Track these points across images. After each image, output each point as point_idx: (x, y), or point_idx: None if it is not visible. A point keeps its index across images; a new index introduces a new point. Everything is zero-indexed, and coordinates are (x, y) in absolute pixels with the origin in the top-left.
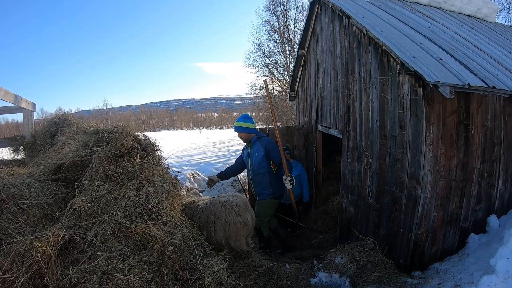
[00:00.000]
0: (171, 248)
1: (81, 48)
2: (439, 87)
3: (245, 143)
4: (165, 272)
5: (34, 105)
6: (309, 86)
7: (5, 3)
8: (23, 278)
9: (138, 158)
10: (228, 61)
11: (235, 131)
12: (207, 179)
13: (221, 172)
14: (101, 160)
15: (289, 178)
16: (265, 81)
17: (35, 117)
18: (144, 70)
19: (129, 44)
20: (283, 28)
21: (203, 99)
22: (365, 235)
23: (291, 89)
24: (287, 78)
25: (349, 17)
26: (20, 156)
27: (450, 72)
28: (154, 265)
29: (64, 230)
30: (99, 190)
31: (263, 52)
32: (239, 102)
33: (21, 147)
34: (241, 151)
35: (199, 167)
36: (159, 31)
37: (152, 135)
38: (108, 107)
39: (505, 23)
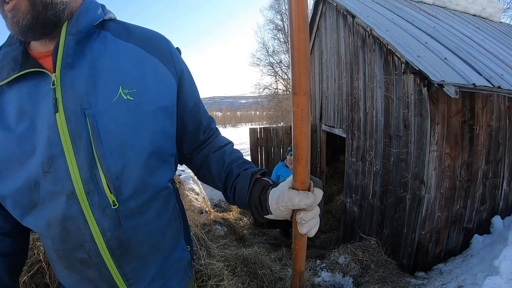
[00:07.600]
0: None
1: None
2: (444, 87)
3: None
4: None
5: None
6: (313, 85)
7: None
8: (25, 277)
9: None
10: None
11: None
12: None
13: None
14: None
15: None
16: None
17: None
18: None
19: None
20: (288, 27)
21: (207, 98)
22: (369, 235)
23: None
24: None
25: (353, 16)
26: None
27: (455, 71)
28: None
29: None
30: None
31: (267, 51)
32: (243, 101)
33: None
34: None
35: None
36: (161, 29)
37: None
38: None
39: (510, 23)
